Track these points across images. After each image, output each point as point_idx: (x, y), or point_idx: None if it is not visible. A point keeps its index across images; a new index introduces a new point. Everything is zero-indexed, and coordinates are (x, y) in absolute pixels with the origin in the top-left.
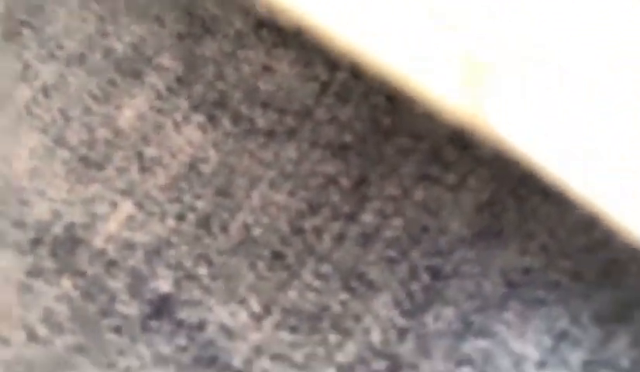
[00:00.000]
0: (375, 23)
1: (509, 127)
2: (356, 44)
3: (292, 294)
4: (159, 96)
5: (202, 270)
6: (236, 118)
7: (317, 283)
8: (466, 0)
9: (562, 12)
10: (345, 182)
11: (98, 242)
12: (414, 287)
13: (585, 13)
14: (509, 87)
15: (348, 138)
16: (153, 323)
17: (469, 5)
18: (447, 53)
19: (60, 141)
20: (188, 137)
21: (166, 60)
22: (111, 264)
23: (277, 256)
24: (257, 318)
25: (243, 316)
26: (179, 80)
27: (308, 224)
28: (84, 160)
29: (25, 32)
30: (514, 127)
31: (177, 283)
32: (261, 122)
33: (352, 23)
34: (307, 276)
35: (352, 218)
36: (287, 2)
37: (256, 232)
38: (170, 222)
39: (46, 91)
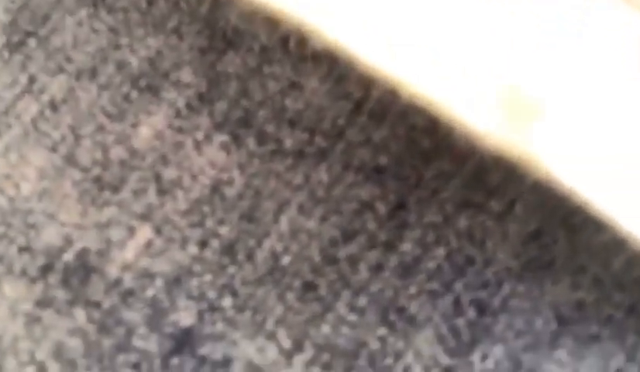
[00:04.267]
0: (416, 51)
1: (557, 160)
2: (393, 69)
3: (325, 328)
4: (178, 114)
5: (227, 302)
6: (262, 138)
7: (352, 316)
8: (513, 33)
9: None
10: (381, 208)
11: (114, 270)
12: (459, 322)
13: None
14: (558, 121)
15: (383, 160)
16: (174, 359)
17: (517, 38)
18: (493, 85)
19: (70, 160)
20: (210, 158)
21: (185, 75)
22: (129, 294)
23: (309, 287)
24: (287, 355)
25: (272, 352)
26: (200, 96)
27: (342, 253)
28: (98, 182)
29: (31, 43)
30: (562, 160)
31: (199, 315)
32: (289, 143)
33: (389, 49)
34: (341, 309)
35: (389, 246)
36: (317, 23)
37: (285, 260)
38: (192, 249)
39: (54, 106)
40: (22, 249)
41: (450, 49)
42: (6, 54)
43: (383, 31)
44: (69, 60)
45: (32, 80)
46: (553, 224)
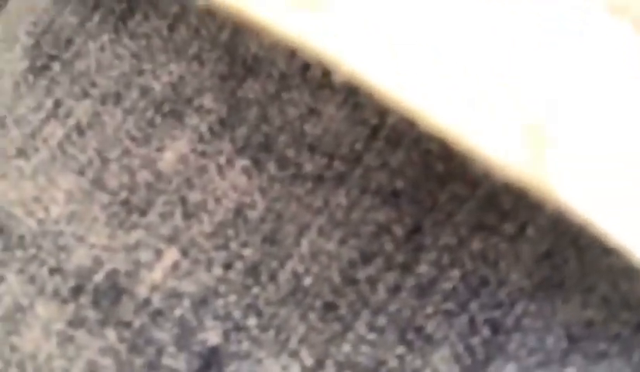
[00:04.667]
0: (432, 79)
1: (570, 191)
2: (408, 97)
3: (346, 347)
4: (201, 138)
5: (251, 321)
6: (282, 163)
7: (372, 336)
8: (531, 68)
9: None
10: (398, 230)
11: (143, 291)
12: (474, 341)
13: None
14: (572, 154)
15: (399, 184)
16: None
17: (534, 73)
18: (508, 118)
19: (98, 183)
20: (233, 182)
21: (207, 101)
22: (158, 314)
23: (329, 307)
24: None
25: (295, 370)
26: (221, 122)
27: (361, 274)
28: (125, 205)
29: (55, 67)
30: (575, 192)
31: (225, 334)
32: (308, 167)
33: (405, 76)
34: (361, 328)
35: (406, 268)
36: (336, 52)
37: (307, 281)
38: (217, 271)
39: (80, 130)
40: (53, 271)
41: (466, 77)
42: (31, 78)
43: (399, 58)
44: (93, 84)
45: (57, 104)
46: (564, 245)
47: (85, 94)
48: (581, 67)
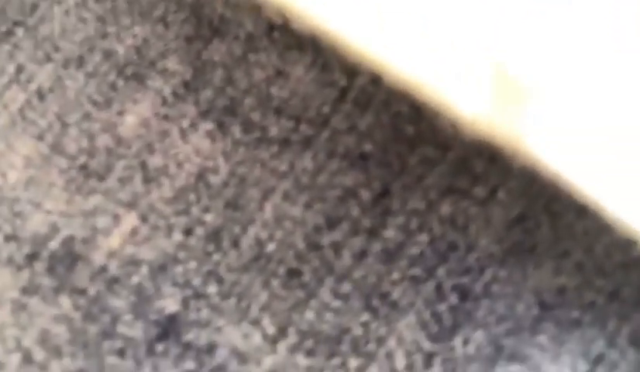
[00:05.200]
0: (399, 33)
1: (543, 145)
2: (376, 52)
3: (309, 314)
4: (164, 102)
5: (212, 289)
6: (247, 126)
7: (336, 303)
8: (498, 15)
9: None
10: (365, 195)
11: (100, 257)
12: (441, 308)
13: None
14: (545, 106)
15: (368, 147)
16: (159, 346)
17: (502, 20)
18: (478, 67)
19: (57, 148)
20: (196, 146)
21: (171, 63)
22: (114, 282)
23: (293, 273)
24: (271, 341)
25: (256, 338)
26: (186, 85)
27: (326, 239)
28: (84, 170)
29: (19, 31)
30: (548, 145)
31: (184, 302)
32: (274, 131)
33: (372, 32)
34: (325, 295)
35: (373, 233)
36: (300, 9)
37: (270, 247)
38: (177, 237)
39: (41, 95)
40: (9, 238)
41: (437, 27)
42: None
43: (369, 13)
44: (56, 49)
45: (19, 69)
46: (536, 209)
47: (48, 59)
48: (561, 21)
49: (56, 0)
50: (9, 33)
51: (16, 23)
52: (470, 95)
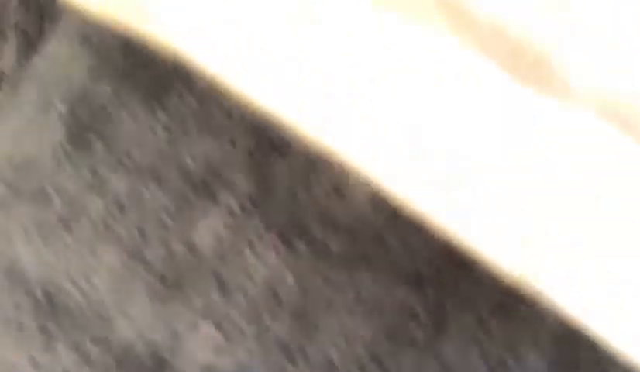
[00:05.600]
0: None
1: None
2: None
3: None
4: (232, 215)
5: None
6: (311, 242)
7: None
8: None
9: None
10: (421, 312)
11: (182, 364)
12: None
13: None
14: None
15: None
16: None
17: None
18: None
19: (138, 258)
20: (264, 259)
21: (238, 178)
22: None
23: None
24: None
25: None
26: (252, 200)
27: (385, 352)
28: (163, 279)
29: (91, 137)
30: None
31: None
32: (335, 246)
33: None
34: None
35: (430, 348)
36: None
37: (335, 357)
38: (251, 345)
39: (120, 206)
40: (98, 341)
41: None
42: (70, 148)
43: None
44: (129, 157)
45: (95, 175)
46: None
47: (122, 166)
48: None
49: (124, 106)
50: (84, 140)
51: (88, 128)
52: None
